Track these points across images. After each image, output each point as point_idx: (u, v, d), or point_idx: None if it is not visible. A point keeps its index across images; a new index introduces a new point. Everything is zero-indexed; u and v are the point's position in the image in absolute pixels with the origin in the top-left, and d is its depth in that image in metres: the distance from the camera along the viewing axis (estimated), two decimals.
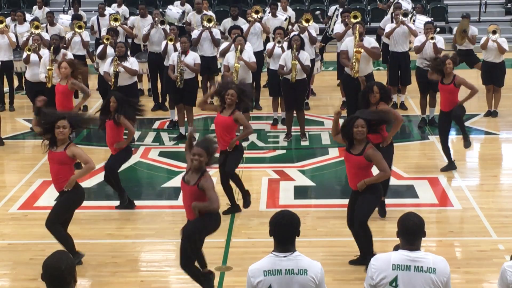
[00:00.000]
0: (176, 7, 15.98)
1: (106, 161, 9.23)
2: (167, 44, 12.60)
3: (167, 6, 16.36)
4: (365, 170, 7.24)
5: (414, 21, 14.26)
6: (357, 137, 7.13)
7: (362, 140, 7.17)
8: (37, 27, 13.24)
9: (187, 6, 16.13)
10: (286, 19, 14.85)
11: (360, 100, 8.90)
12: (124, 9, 16.65)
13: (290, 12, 15.60)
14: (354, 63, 11.36)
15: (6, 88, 14.31)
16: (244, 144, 11.15)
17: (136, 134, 12.28)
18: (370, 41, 11.79)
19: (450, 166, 10.34)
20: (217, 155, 7.07)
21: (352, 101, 10.75)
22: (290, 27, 14.44)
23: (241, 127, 9.00)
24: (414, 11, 14.92)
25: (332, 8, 16.36)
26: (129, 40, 14.86)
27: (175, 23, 15.29)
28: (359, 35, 11.45)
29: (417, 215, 4.80)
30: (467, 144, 10.43)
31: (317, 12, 17.64)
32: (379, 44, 13.34)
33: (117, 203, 9.19)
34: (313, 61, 12.91)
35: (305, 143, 11.86)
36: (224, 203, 8.71)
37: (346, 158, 7.37)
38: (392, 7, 14.98)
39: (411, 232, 4.69)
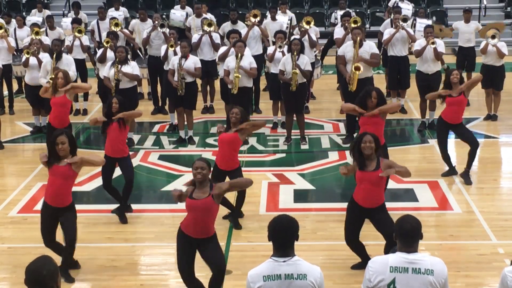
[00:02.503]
0: (178, 11, 16.01)
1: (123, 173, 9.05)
2: (167, 49, 12.57)
3: (167, 9, 16.39)
4: (380, 186, 7.18)
5: (415, 25, 14.25)
6: (365, 152, 6.99)
7: (371, 155, 7.04)
8: (37, 33, 13.22)
9: (188, 9, 16.17)
10: (289, 19, 14.86)
11: (357, 105, 8.89)
12: (123, 10, 16.64)
13: (290, 14, 15.61)
14: (352, 79, 11.32)
15: (5, 92, 14.32)
16: (244, 147, 11.15)
17: (136, 138, 12.29)
18: (371, 45, 11.80)
19: (451, 172, 10.30)
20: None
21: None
22: (291, 30, 14.44)
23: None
24: (416, 17, 14.94)
25: (335, 14, 16.31)
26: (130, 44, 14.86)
27: (181, 27, 15.31)
28: (359, 45, 11.41)
29: (413, 218, 4.80)
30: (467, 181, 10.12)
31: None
32: (378, 48, 13.34)
33: (115, 206, 9.18)
34: (312, 65, 12.89)
35: (305, 146, 11.85)
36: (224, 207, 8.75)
37: (361, 177, 7.10)
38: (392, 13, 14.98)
39: (408, 234, 4.70)
